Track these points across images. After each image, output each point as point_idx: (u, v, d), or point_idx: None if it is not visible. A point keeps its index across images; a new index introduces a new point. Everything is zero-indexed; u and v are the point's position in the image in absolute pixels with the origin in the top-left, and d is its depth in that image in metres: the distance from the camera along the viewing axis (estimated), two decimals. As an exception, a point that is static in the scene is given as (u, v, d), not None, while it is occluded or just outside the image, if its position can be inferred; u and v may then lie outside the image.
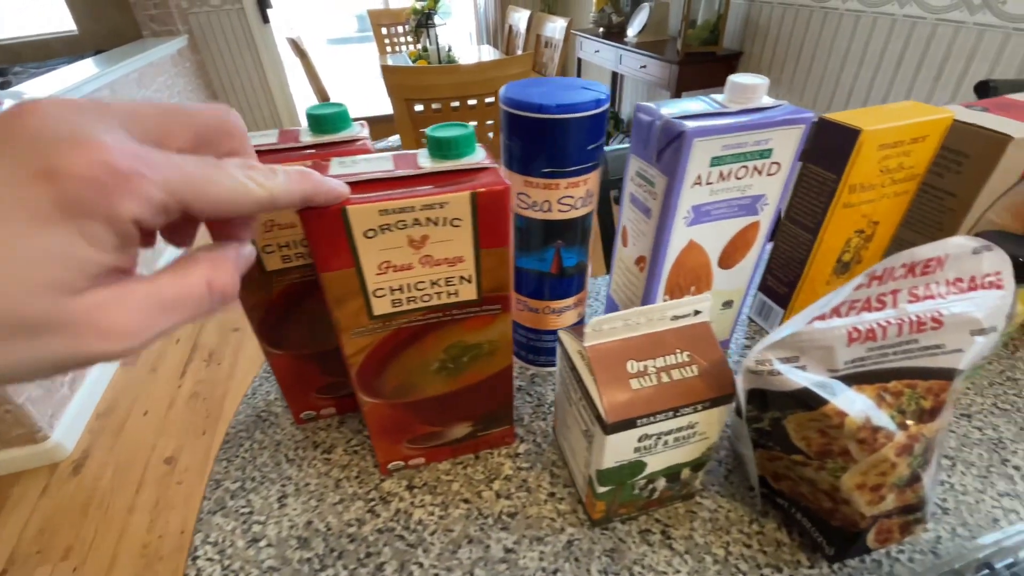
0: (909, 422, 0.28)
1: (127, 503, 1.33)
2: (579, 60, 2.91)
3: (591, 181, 0.35)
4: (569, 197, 0.35)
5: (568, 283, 0.40)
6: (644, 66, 2.25)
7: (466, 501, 0.36)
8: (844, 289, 0.27)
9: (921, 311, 0.27)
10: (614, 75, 2.96)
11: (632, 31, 2.41)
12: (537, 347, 0.44)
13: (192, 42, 2.85)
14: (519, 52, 2.62)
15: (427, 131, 0.28)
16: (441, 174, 0.27)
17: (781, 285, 0.48)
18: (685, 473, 0.33)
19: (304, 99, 3.43)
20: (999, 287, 0.28)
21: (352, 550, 0.34)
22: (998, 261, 0.28)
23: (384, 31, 3.02)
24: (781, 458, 0.31)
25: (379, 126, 1.94)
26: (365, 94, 3.40)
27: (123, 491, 1.36)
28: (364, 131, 0.33)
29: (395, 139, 1.91)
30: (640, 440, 0.29)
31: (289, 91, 3.29)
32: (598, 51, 2.58)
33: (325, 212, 0.24)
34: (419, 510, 0.36)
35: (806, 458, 0.30)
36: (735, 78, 0.35)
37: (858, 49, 1.77)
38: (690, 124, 0.33)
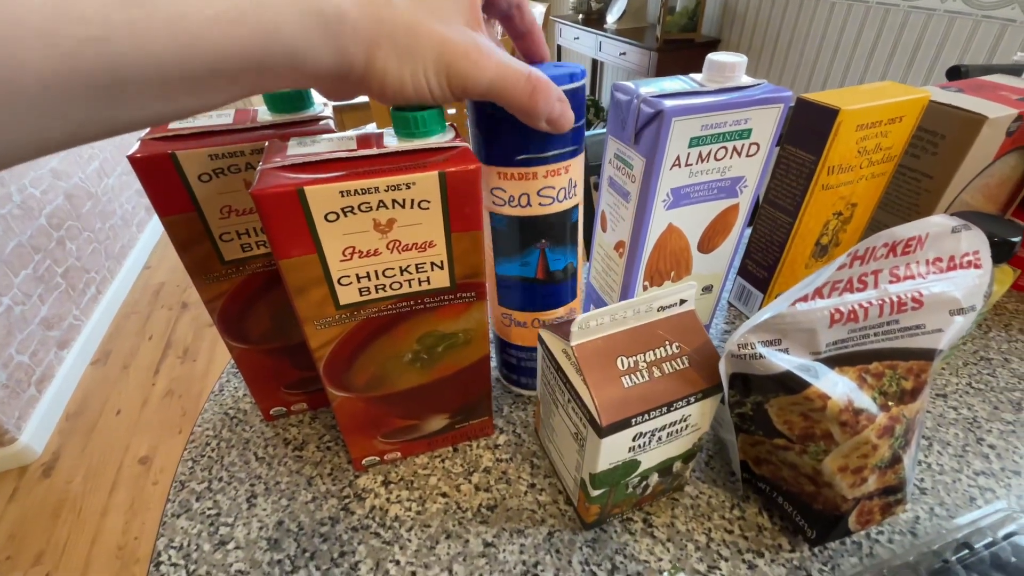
0: (890, 403, 0.27)
1: (100, 505, 1.29)
2: (558, 47, 2.89)
3: (573, 169, 0.31)
4: (549, 188, 0.31)
5: (558, 290, 0.36)
6: (623, 53, 2.24)
7: (444, 495, 0.35)
8: (827, 269, 0.27)
9: (902, 291, 0.27)
10: (594, 62, 2.94)
11: (611, 18, 2.39)
12: (528, 368, 0.40)
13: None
14: (498, 38, 2.58)
15: (392, 108, 0.26)
16: (408, 153, 0.26)
17: (760, 269, 0.47)
18: (677, 466, 0.32)
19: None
20: (977, 266, 0.28)
21: (325, 550, 0.32)
22: (976, 240, 0.28)
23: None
24: (763, 442, 0.31)
25: (355, 113, 1.90)
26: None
27: (96, 493, 1.32)
28: (327, 110, 0.31)
29: (371, 128, 1.87)
30: (634, 439, 0.28)
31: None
32: (577, 38, 2.56)
33: (280, 193, 0.23)
34: (395, 506, 0.35)
35: (788, 442, 0.29)
36: (714, 56, 0.34)
37: (833, 36, 1.78)
38: (668, 103, 0.32)
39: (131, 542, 1.21)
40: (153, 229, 2.37)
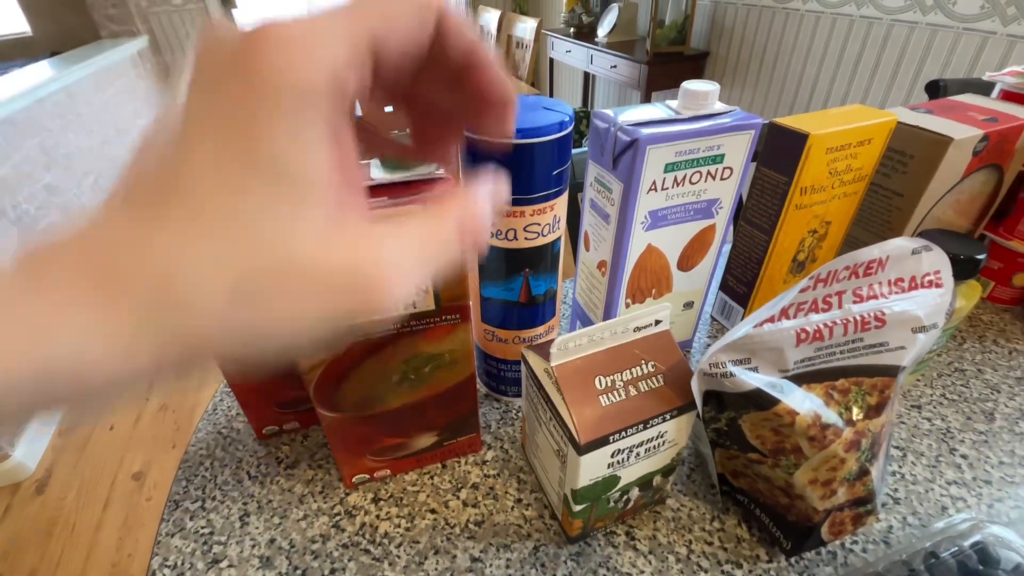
0: (856, 418, 0.29)
1: (94, 521, 1.29)
2: (551, 60, 2.93)
3: (558, 206, 0.34)
4: (535, 224, 0.33)
5: (538, 311, 0.38)
6: (614, 66, 2.27)
7: (432, 511, 0.36)
8: (790, 292, 0.28)
9: (865, 311, 0.28)
10: (585, 75, 2.98)
11: (602, 31, 2.43)
12: (508, 377, 0.42)
13: (153, 43, 2.76)
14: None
15: (378, 143, 0.27)
16: (393, 186, 0.27)
17: (740, 284, 0.49)
18: (657, 480, 0.33)
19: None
20: (938, 286, 0.29)
21: (316, 567, 0.33)
22: (937, 260, 0.29)
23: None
24: (738, 456, 0.32)
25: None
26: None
27: (89, 509, 1.32)
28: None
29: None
30: (613, 455, 0.29)
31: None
32: (569, 51, 2.60)
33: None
34: (385, 523, 0.36)
35: (761, 456, 0.30)
36: (688, 85, 0.36)
37: (818, 49, 1.82)
38: (644, 131, 0.33)
39: (125, 559, 1.20)
40: (148, 243, 2.37)
